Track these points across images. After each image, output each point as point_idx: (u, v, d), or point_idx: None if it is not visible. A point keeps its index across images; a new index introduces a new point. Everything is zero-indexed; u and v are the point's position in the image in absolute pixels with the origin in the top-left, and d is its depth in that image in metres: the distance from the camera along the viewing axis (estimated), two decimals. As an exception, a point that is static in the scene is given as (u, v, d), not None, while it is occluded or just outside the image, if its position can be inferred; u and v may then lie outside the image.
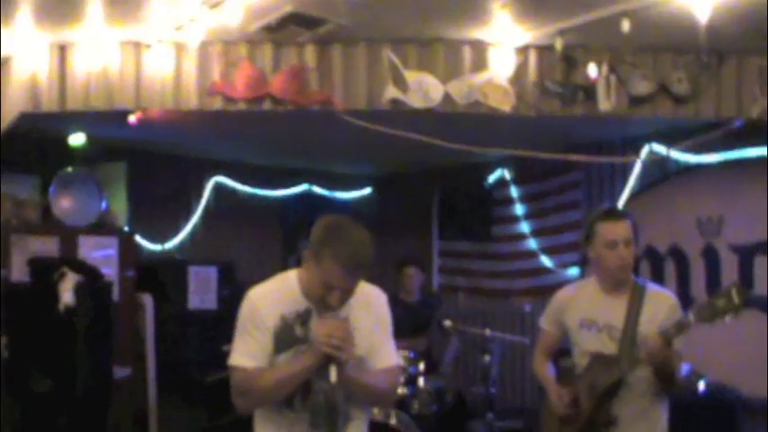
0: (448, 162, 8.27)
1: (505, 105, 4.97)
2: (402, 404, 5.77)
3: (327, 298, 2.93)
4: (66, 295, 5.60)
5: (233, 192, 8.65)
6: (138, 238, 7.54)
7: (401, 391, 5.79)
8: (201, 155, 8.31)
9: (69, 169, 6.86)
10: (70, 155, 7.02)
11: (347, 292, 2.96)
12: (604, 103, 4.96)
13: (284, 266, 3.17)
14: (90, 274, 5.90)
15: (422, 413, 5.95)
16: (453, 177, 8.75)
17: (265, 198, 8.87)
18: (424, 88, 4.89)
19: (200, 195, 8.47)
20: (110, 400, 5.83)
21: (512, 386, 7.88)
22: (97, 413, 5.70)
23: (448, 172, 8.67)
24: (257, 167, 8.75)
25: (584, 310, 3.81)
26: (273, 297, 3.06)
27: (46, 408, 5.49)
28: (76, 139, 7.03)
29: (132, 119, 6.18)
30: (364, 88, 4.99)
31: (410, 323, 6.45)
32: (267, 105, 4.99)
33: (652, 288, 3.80)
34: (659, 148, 6.68)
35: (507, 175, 8.33)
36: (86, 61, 4.94)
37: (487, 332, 6.08)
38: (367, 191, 9.60)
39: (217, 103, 4.98)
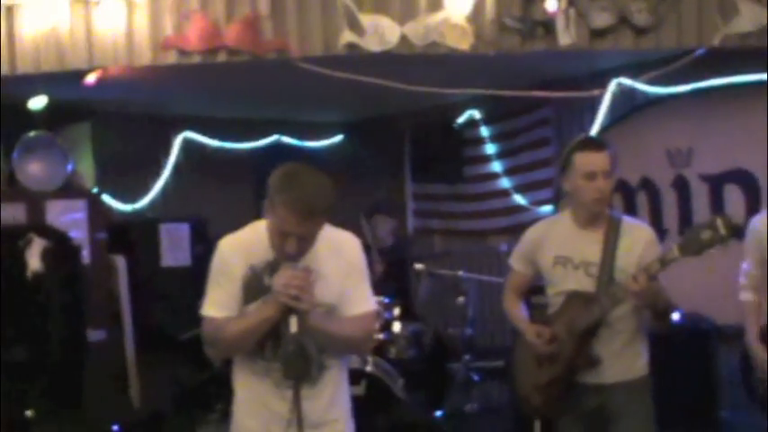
0: (418, 105, 8.18)
1: (464, 44, 4.90)
2: (379, 350, 5.77)
3: (284, 246, 2.89)
4: (33, 261, 5.55)
5: (202, 146, 8.53)
6: (107, 200, 7.47)
7: (378, 336, 5.79)
8: (167, 111, 8.19)
9: (32, 134, 6.75)
10: (32, 119, 6.90)
11: (304, 240, 2.92)
12: (564, 38, 4.89)
13: (257, 219, 3.13)
14: (57, 239, 5.84)
15: (400, 358, 5.96)
16: (424, 120, 8.67)
17: (235, 151, 8.74)
18: (380, 31, 4.81)
19: (168, 152, 8.35)
20: (83, 365, 5.81)
21: (491, 327, 7.89)
22: (72, 378, 5.68)
23: (418, 115, 8.59)
24: (225, 120, 8.62)
25: (558, 246, 3.69)
26: (243, 247, 3.06)
27: (21, 376, 5.46)
28: (37, 103, 6.89)
29: (91, 79, 6.07)
30: (320, 34, 4.91)
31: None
32: (222, 57, 4.93)
33: (628, 221, 3.70)
34: (627, 82, 6.63)
35: (477, 114, 8.27)
36: (35, 22, 4.85)
37: (460, 273, 6.08)
38: (338, 138, 9.48)
39: (171, 57, 4.93)
